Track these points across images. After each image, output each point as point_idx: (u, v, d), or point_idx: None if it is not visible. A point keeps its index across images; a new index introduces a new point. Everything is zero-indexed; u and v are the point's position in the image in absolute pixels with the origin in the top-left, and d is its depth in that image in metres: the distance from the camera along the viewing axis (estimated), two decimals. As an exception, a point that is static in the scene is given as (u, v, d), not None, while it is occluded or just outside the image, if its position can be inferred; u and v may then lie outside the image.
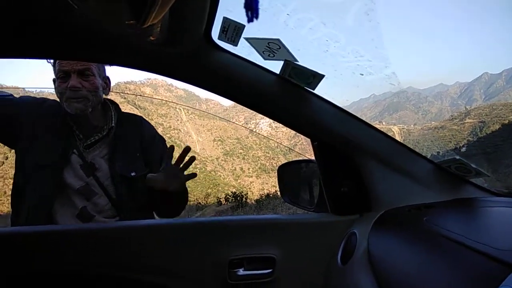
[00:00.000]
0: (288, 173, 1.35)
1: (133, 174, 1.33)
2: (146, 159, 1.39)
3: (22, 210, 1.27)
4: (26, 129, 1.33)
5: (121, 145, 1.37)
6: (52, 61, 1.32)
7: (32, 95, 1.54)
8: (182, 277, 1.05)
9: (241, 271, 1.05)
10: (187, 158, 1.24)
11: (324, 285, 1.03)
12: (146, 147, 1.41)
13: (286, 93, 1.00)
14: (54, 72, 1.31)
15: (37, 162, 1.29)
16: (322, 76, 0.96)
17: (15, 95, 1.38)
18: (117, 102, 1.50)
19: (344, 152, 1.05)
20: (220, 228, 1.08)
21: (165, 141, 1.52)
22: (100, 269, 1.02)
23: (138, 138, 1.41)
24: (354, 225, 1.05)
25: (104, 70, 1.40)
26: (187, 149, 1.21)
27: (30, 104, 1.38)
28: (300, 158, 1.36)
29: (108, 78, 1.42)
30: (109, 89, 1.43)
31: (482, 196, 1.04)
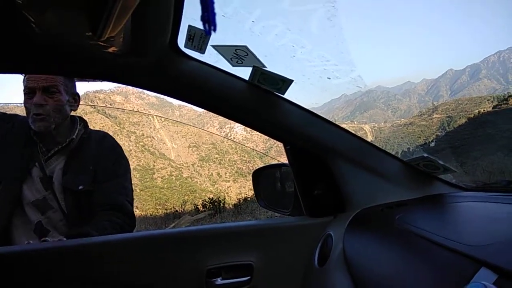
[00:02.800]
0: (263, 177, 1.35)
1: (80, 187, 1.32)
2: (97, 175, 1.37)
3: None
4: None
5: (75, 158, 1.37)
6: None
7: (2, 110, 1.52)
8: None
9: (219, 281, 1.03)
10: None
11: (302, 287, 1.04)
12: (99, 160, 1.39)
13: (256, 98, 1.00)
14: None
15: None
16: (291, 81, 0.97)
17: None
18: (87, 111, 1.48)
19: (315, 155, 1.06)
20: (196, 238, 1.07)
21: (124, 157, 1.48)
22: (73, 285, 0.98)
23: (94, 153, 1.40)
24: (329, 227, 1.06)
25: (73, 86, 1.40)
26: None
27: (0, 120, 1.39)
28: (274, 163, 1.36)
29: (77, 94, 1.42)
30: (78, 104, 1.42)
31: (451, 192, 1.08)
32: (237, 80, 0.99)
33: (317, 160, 1.06)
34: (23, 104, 1.33)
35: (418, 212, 0.96)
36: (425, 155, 1.06)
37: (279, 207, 1.28)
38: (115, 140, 1.53)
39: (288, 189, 1.29)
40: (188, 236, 1.07)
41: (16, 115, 1.44)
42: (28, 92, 1.29)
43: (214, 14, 0.28)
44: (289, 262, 1.07)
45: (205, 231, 1.09)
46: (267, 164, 1.38)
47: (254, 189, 1.33)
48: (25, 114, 1.36)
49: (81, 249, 1.01)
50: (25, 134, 1.35)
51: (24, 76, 1.30)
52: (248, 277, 1.04)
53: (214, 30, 0.29)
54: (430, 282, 0.60)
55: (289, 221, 1.14)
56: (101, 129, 1.64)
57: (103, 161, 1.39)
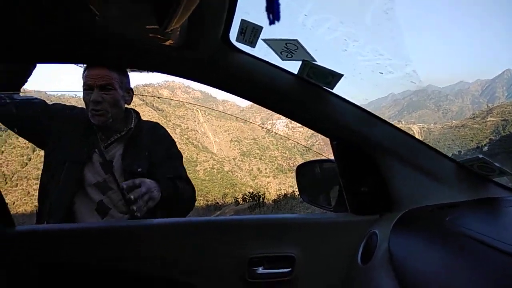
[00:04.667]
0: (307, 172, 1.35)
1: (139, 169, 1.45)
2: (152, 159, 1.50)
3: (46, 205, 1.39)
4: (54, 132, 1.48)
5: (133, 145, 1.50)
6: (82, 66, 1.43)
7: (55, 99, 1.67)
8: (202, 275, 1.07)
9: (260, 270, 1.05)
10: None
11: (343, 284, 1.03)
12: (153, 147, 1.52)
13: (305, 93, 1.00)
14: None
15: (61, 159, 1.42)
16: (341, 75, 0.96)
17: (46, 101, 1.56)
18: (136, 104, 1.59)
19: (364, 151, 1.04)
20: (240, 227, 1.09)
21: (174, 144, 1.64)
22: (120, 265, 1.05)
23: (148, 140, 1.53)
24: (374, 225, 1.04)
25: (127, 82, 1.53)
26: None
27: (61, 111, 1.55)
28: (319, 158, 1.36)
29: (131, 89, 1.56)
30: (132, 98, 1.56)
31: (506, 196, 1.02)
32: (286, 74, 0.99)
33: (365, 156, 1.04)
34: (82, 97, 1.46)
35: (471, 214, 0.92)
36: (480, 156, 1.00)
37: (322, 202, 1.28)
38: (165, 129, 1.65)
39: (332, 185, 1.28)
40: (233, 224, 1.10)
41: (75, 107, 1.60)
42: (87, 88, 1.42)
43: (278, 5, 0.29)
44: (331, 258, 1.07)
45: (249, 221, 1.12)
46: (311, 159, 1.38)
47: (298, 184, 1.34)
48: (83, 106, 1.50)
49: (128, 230, 1.08)
50: (84, 123, 1.48)
51: (83, 72, 1.42)
52: (289, 269, 1.05)
53: (278, 19, 0.30)
54: (483, 285, 0.57)
55: (332, 217, 1.13)
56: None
57: (157, 147, 1.52)
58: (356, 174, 1.08)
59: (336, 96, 1.02)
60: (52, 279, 1.05)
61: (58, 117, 1.51)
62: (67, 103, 1.70)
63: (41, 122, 1.48)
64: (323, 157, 1.31)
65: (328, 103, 1.01)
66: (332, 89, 1.01)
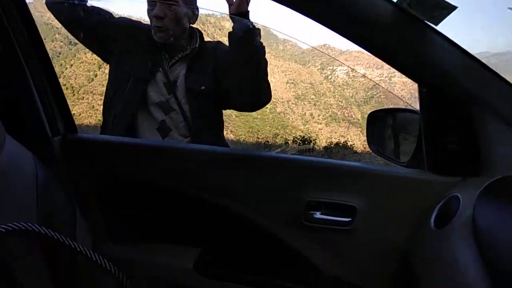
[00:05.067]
0: (380, 121, 1.22)
1: (202, 88, 1.42)
2: (217, 75, 1.45)
3: (109, 118, 1.44)
4: (119, 46, 1.48)
5: (197, 64, 1.46)
6: None
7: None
8: (258, 209, 1.05)
9: (318, 214, 1.01)
10: None
11: (408, 246, 0.96)
12: (217, 64, 1.46)
13: (402, 26, 0.84)
14: None
15: (126, 74, 1.43)
16: (454, 8, 0.79)
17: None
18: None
19: (460, 104, 0.89)
20: (302, 168, 1.04)
21: None
22: (178, 187, 1.06)
23: (212, 58, 1.47)
24: (456, 188, 0.92)
25: (193, 0, 1.45)
26: None
27: (127, 25, 1.53)
28: (394, 106, 1.22)
29: (197, 7, 1.48)
30: (196, 18, 1.49)
31: None
32: (382, 1, 0.84)
33: (459, 110, 0.89)
34: (147, 13, 1.43)
35: None
36: None
37: (394, 156, 1.16)
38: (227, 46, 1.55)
39: (408, 138, 1.15)
40: (295, 164, 1.04)
41: (140, 22, 1.57)
42: (151, 3, 1.37)
43: None
44: (398, 215, 0.98)
45: (312, 163, 1.05)
46: (386, 107, 1.24)
47: (367, 132, 1.22)
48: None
49: (189, 153, 1.07)
50: (149, 41, 1.45)
51: None
52: (350, 219, 0.99)
53: None
54: None
55: (405, 172, 1.03)
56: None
57: (221, 62, 1.46)
58: (443, 129, 0.94)
59: (439, 34, 0.85)
60: (107, 188, 1.09)
61: (124, 31, 1.49)
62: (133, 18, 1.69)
63: (107, 33, 1.47)
64: (403, 107, 1.17)
65: (427, 42, 0.85)
66: (436, 25, 0.84)
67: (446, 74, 0.86)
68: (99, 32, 1.46)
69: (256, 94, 1.39)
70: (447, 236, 0.80)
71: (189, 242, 1.10)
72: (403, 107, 1.16)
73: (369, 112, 1.21)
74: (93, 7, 1.45)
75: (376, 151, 1.21)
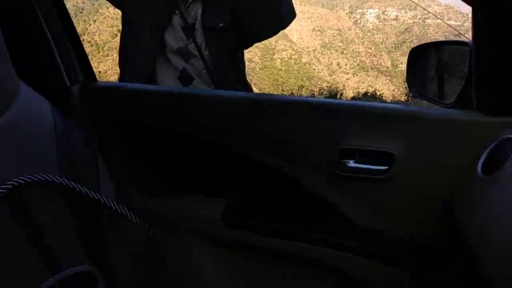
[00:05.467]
0: (423, 58, 1.09)
1: (221, 25, 1.32)
2: (235, 7, 1.33)
3: (126, 69, 1.37)
4: None
5: (213, 1, 1.34)
6: None
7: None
8: (286, 156, 0.98)
9: (351, 163, 0.93)
10: None
11: (451, 195, 0.87)
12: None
13: None
14: None
15: (139, 21, 1.32)
16: None
17: None
18: None
19: None
20: (333, 112, 0.95)
21: None
22: (203, 135, 1.01)
23: None
24: (509, 130, 0.81)
25: None
26: None
27: None
28: (438, 40, 1.07)
29: None
30: None
31: None
32: None
33: None
34: None
35: None
36: None
37: (437, 96, 1.04)
38: None
39: (456, 75, 1.02)
40: (325, 107, 0.95)
41: None
42: None
43: None
44: (441, 161, 0.89)
45: (344, 106, 0.96)
46: (430, 42, 1.09)
47: (407, 72, 1.09)
48: None
49: (215, 99, 1.01)
50: None
51: None
52: (386, 167, 0.91)
53: None
54: None
55: (451, 114, 0.92)
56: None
57: None
58: (501, 61, 0.81)
59: None
60: (129, 136, 1.06)
61: None
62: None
63: None
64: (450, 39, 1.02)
65: None
66: None
67: None
68: None
69: (277, 11, 1.29)
70: (495, 183, 0.71)
71: (215, 193, 1.07)
72: (451, 39, 1.01)
73: (411, 48, 1.07)
74: None
75: (418, 93, 1.09)
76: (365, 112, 0.94)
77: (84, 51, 1.09)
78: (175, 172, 1.10)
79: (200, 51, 1.34)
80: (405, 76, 1.12)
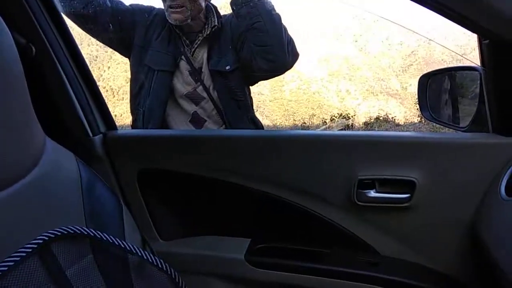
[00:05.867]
0: (434, 83, 1.10)
1: (228, 68, 1.34)
2: (237, 49, 1.36)
3: (139, 115, 1.39)
4: (138, 36, 1.39)
5: (217, 43, 1.37)
6: None
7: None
8: (304, 192, 0.99)
9: (372, 193, 0.93)
10: None
11: (475, 219, 0.85)
12: (236, 36, 1.37)
13: None
14: None
15: (150, 67, 1.36)
16: None
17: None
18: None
19: None
20: (350, 143, 0.96)
21: None
22: (220, 174, 1.02)
23: (230, 33, 1.38)
24: None
25: None
26: None
27: (142, 12, 1.43)
28: (454, 65, 1.09)
29: None
30: None
31: None
32: None
33: None
34: None
35: None
36: None
37: (451, 120, 1.05)
38: None
39: (467, 99, 1.03)
40: (342, 140, 0.96)
41: (154, 7, 1.47)
42: None
43: None
44: (462, 186, 0.88)
45: (361, 137, 0.97)
46: (439, 68, 1.11)
47: (419, 97, 1.11)
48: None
49: (227, 139, 1.03)
50: (166, 27, 1.38)
51: None
52: (408, 195, 0.90)
53: None
54: None
55: (467, 138, 0.91)
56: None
57: (237, 35, 1.38)
58: (510, 84, 0.82)
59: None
60: (151, 183, 1.08)
61: (141, 21, 1.41)
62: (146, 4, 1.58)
63: (126, 26, 1.39)
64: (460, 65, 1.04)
65: None
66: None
67: (508, 18, 0.73)
68: (115, 24, 1.39)
69: (278, 54, 1.29)
70: None
71: (239, 233, 1.07)
72: (459, 65, 1.03)
73: (421, 74, 1.09)
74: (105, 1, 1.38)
75: (431, 117, 1.10)
76: (381, 142, 0.95)
77: (104, 101, 1.14)
78: (198, 216, 1.11)
79: (208, 93, 1.37)
80: (417, 100, 1.13)
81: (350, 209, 0.95)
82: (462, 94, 1.06)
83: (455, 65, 1.07)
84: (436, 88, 1.10)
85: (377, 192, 0.92)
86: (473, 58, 0.95)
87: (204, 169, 1.04)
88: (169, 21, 1.32)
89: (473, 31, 0.81)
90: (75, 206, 0.75)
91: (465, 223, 0.87)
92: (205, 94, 1.38)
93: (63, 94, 1.04)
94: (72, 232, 0.67)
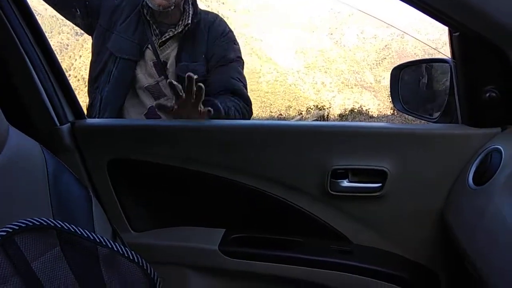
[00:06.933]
0: (404, 75, 1.12)
1: (195, 77, 1.23)
2: (209, 61, 1.29)
3: (95, 101, 1.30)
4: (103, 16, 1.29)
5: (189, 45, 1.28)
6: None
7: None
8: (278, 182, 0.99)
9: (345, 182, 0.94)
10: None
11: (444, 208, 0.88)
12: (211, 47, 1.29)
13: None
14: None
15: (112, 53, 1.26)
16: None
17: None
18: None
19: (499, 48, 0.79)
20: (323, 134, 0.96)
21: (235, 41, 1.37)
22: (195, 165, 1.01)
23: (205, 38, 1.30)
24: (496, 140, 0.84)
25: None
26: (190, 78, 0.99)
27: None
28: (420, 58, 1.11)
29: None
30: None
31: None
32: None
33: (499, 55, 0.79)
34: None
35: None
36: None
37: (422, 112, 1.07)
38: (226, 24, 1.41)
39: (438, 91, 1.06)
40: (315, 130, 0.97)
41: None
42: None
43: None
44: (431, 176, 0.91)
45: (335, 128, 0.97)
46: (411, 60, 1.13)
47: (391, 89, 1.13)
48: None
49: (209, 130, 1.01)
50: (135, 11, 1.29)
51: None
52: (379, 184, 0.92)
53: None
54: None
55: (437, 128, 0.94)
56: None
57: (215, 48, 1.31)
58: (480, 76, 0.84)
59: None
60: (121, 173, 1.05)
61: (108, 2, 1.31)
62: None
63: (90, 5, 1.29)
64: (431, 57, 1.06)
65: None
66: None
67: (479, 13, 0.75)
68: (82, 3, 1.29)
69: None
70: (488, 194, 0.72)
71: (212, 224, 1.06)
72: (431, 57, 1.05)
73: (393, 67, 1.11)
74: None
75: (402, 109, 1.12)
76: (354, 132, 0.96)
77: (72, 89, 1.10)
78: (169, 206, 1.09)
79: (173, 88, 1.28)
80: (389, 92, 1.15)
81: (324, 198, 0.96)
82: (433, 86, 1.09)
83: (426, 58, 1.09)
84: (408, 80, 1.12)
85: (349, 181, 0.94)
86: (445, 52, 0.98)
87: (177, 160, 1.02)
88: (150, 5, 1.22)
89: (444, 24, 0.83)
90: (41, 197, 0.73)
91: (435, 212, 0.90)
92: (167, 91, 1.28)
93: (27, 81, 0.98)
94: (37, 224, 0.65)
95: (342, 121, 12.89)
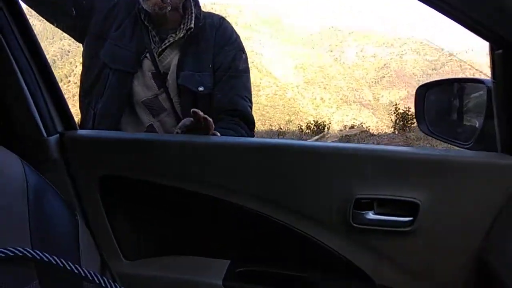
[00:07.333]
0: (432, 95, 1.02)
1: (201, 89, 1.13)
2: (216, 71, 1.17)
3: (89, 115, 1.17)
4: (95, 22, 1.16)
5: (192, 52, 1.16)
6: None
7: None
8: (292, 211, 0.87)
9: (370, 214, 0.83)
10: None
11: (485, 246, 0.77)
12: (217, 54, 1.17)
13: None
14: None
15: (105, 64, 1.13)
16: None
17: None
18: None
19: None
20: (345, 157, 0.85)
21: (243, 50, 1.26)
22: (198, 186, 0.89)
23: (211, 44, 1.17)
24: None
25: None
26: (196, 114, 0.92)
27: None
28: (448, 77, 1.02)
29: None
30: None
31: None
32: None
33: None
34: None
35: None
36: None
37: (453, 136, 0.97)
38: (233, 28, 1.28)
39: (470, 113, 0.96)
40: (337, 153, 0.85)
41: None
42: None
43: None
44: (470, 209, 0.79)
45: (360, 151, 0.86)
46: (439, 79, 1.04)
47: (416, 109, 1.02)
48: None
49: (207, 146, 0.90)
50: (131, 15, 1.16)
51: None
52: (411, 218, 0.80)
53: None
54: None
55: (475, 157, 0.83)
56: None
57: (222, 56, 1.19)
58: None
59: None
60: (113, 193, 0.94)
61: (100, 7, 1.18)
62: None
63: (81, 10, 1.15)
64: (461, 77, 0.97)
65: None
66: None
67: None
68: (72, 10, 1.15)
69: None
70: None
71: (216, 254, 0.94)
72: (464, 77, 0.96)
73: (419, 85, 1.01)
74: None
75: (428, 132, 1.02)
76: (381, 157, 0.84)
77: (64, 98, 0.98)
78: (166, 231, 0.97)
79: (172, 104, 1.15)
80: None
81: (345, 231, 0.84)
82: (465, 109, 0.99)
83: (458, 77, 0.99)
84: (435, 100, 1.02)
85: (375, 213, 0.82)
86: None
87: (177, 179, 0.90)
88: (145, 7, 1.09)
89: (485, 39, 0.73)
90: (19, 219, 0.61)
91: (472, 251, 0.79)
92: (167, 105, 1.16)
93: (12, 86, 0.88)
94: (11, 254, 0.54)
95: (342, 137, 12.84)
